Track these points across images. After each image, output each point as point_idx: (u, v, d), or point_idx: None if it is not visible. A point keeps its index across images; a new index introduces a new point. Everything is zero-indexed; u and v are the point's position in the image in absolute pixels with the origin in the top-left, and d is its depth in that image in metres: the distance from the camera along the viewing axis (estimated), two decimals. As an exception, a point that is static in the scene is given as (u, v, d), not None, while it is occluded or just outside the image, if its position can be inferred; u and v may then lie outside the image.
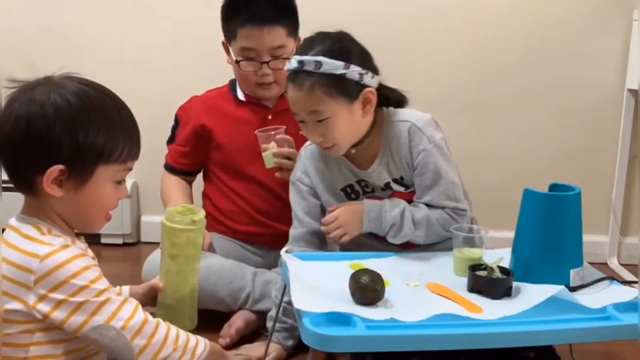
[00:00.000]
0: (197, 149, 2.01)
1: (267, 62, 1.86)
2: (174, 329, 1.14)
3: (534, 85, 2.45)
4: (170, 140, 2.05)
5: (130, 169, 1.16)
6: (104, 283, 1.08)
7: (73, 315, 1.04)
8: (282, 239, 1.69)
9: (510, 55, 2.43)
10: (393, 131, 1.57)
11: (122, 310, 1.06)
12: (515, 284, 1.30)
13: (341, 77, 1.46)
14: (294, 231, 1.65)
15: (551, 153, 2.49)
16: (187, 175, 2.07)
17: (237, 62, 1.89)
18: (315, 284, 1.30)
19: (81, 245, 1.15)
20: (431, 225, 1.53)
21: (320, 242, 1.64)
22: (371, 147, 1.59)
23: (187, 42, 2.46)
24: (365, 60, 1.51)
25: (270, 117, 1.96)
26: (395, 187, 1.60)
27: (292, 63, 1.47)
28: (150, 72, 2.49)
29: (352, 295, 1.25)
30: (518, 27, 2.41)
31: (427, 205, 1.55)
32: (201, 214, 1.29)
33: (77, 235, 1.18)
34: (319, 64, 1.44)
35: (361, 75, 1.48)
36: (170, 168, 2.06)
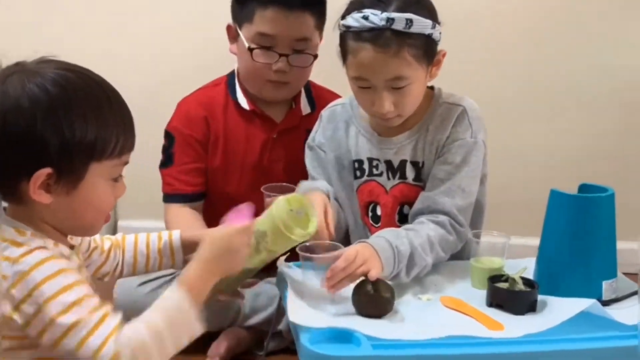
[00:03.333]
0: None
1: (287, 56, 1.64)
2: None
3: (560, 77, 2.38)
4: (166, 163, 1.73)
5: (127, 163, 1.06)
6: (77, 292, 0.96)
7: (44, 335, 0.96)
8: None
9: (535, 47, 2.36)
10: (440, 111, 1.45)
11: (93, 337, 0.94)
12: (540, 297, 1.27)
13: (428, 38, 1.34)
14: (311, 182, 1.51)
15: (581, 150, 2.42)
16: (198, 200, 1.75)
17: (250, 49, 1.64)
18: (315, 295, 1.25)
19: (64, 250, 1.05)
20: (433, 245, 1.35)
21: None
22: (408, 121, 1.45)
23: (179, 38, 2.37)
24: (437, 16, 1.38)
25: (275, 135, 1.74)
26: (409, 171, 1.46)
27: (375, 20, 1.29)
28: (129, 63, 2.37)
29: (358, 307, 1.21)
30: (543, 16, 2.35)
31: (425, 210, 1.40)
32: (315, 223, 1.25)
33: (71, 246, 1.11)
34: (410, 22, 1.29)
35: (440, 34, 1.38)
36: (177, 197, 1.72)
